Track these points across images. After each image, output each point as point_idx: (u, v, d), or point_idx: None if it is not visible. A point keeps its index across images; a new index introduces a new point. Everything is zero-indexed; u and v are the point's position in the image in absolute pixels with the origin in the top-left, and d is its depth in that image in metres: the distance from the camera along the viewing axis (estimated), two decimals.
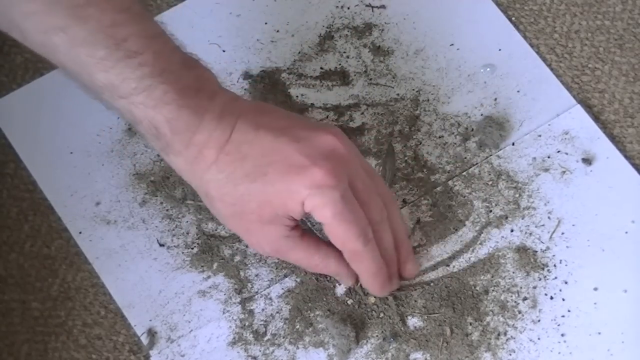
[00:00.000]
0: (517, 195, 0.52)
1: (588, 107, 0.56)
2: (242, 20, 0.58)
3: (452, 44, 0.57)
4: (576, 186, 0.52)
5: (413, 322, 0.49)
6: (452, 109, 0.55)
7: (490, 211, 0.51)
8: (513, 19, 0.58)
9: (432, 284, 0.49)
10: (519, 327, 0.48)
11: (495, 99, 0.55)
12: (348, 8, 0.58)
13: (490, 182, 0.52)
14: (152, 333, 0.49)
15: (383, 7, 0.58)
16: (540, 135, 0.53)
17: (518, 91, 0.55)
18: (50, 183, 0.53)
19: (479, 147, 0.53)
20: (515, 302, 0.49)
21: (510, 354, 0.47)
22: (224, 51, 0.57)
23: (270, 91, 0.56)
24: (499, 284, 0.49)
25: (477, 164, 0.53)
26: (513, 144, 0.53)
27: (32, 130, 0.55)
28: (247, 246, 0.50)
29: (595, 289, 0.49)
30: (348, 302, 0.49)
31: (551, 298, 0.49)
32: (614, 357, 0.47)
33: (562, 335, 0.48)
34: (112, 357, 0.49)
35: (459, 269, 0.50)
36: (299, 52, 0.57)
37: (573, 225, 0.51)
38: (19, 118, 0.55)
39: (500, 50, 0.57)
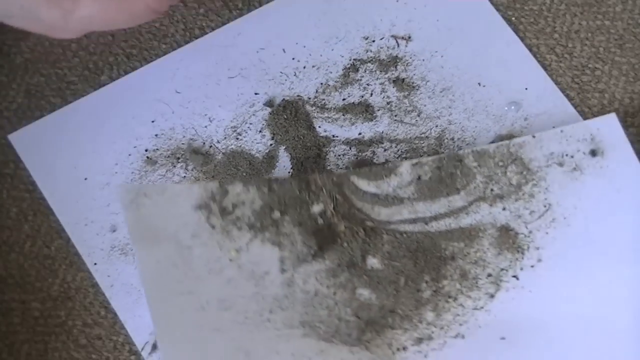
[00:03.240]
0: (522, 180, 0.52)
1: (588, 108, 0.56)
2: (266, 53, 0.57)
3: (480, 83, 0.57)
4: (582, 183, 0.51)
5: (372, 262, 0.49)
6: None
7: (489, 188, 0.51)
8: (513, 19, 0.58)
9: (404, 235, 0.50)
10: (472, 296, 0.49)
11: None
12: (373, 41, 0.58)
13: (500, 163, 0.52)
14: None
15: (409, 38, 0.58)
16: (562, 131, 0.53)
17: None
18: (68, 212, 0.53)
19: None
20: (477, 275, 0.49)
21: (454, 318, 0.48)
22: (246, 82, 0.57)
23: (292, 122, 0.55)
24: (468, 254, 0.50)
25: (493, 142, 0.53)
26: (534, 136, 0.53)
27: (51, 160, 0.54)
28: None
29: (565, 286, 0.49)
30: (319, 221, 0.49)
31: (516, 279, 0.49)
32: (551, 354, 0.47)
33: (513, 317, 0.48)
34: (112, 357, 0.49)
35: (435, 230, 0.50)
36: (322, 84, 0.57)
37: (565, 218, 0.51)
38: (39, 148, 0.55)
39: (526, 89, 0.56)
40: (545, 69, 0.57)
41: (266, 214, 0.49)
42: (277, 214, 0.49)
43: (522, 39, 0.58)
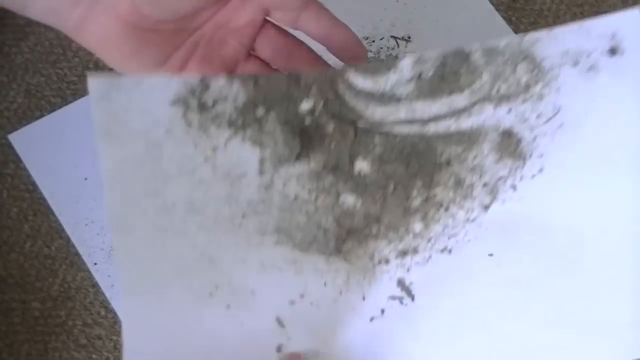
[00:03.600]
0: (531, 80, 0.48)
1: None
2: None
3: None
4: (597, 85, 0.46)
5: (361, 165, 0.46)
6: None
7: (495, 88, 0.48)
8: (513, 19, 0.58)
9: (398, 137, 0.47)
10: (465, 207, 0.46)
11: None
12: (373, 41, 0.58)
13: (509, 61, 0.48)
14: None
15: (409, 38, 0.58)
16: (581, 26, 0.47)
17: None
18: (68, 212, 0.53)
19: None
20: (473, 183, 0.47)
21: (443, 229, 0.46)
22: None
23: None
24: (466, 159, 0.47)
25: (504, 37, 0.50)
26: (550, 30, 0.47)
27: (51, 160, 0.54)
28: None
29: (565, 199, 0.45)
30: (306, 120, 0.46)
31: (513, 190, 0.46)
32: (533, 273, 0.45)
33: (504, 232, 0.45)
34: (112, 357, 0.49)
35: (433, 132, 0.47)
36: None
37: (574, 124, 0.46)
38: (38, 148, 0.55)
39: None
40: None
41: (249, 110, 0.46)
42: (261, 111, 0.46)
43: None
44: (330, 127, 0.46)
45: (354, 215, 0.45)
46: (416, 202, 0.46)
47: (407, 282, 0.44)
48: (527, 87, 0.47)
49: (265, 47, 0.47)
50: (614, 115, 0.46)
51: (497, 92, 0.47)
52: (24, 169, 0.54)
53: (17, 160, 0.54)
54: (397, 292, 0.44)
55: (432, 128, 0.46)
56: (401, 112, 0.47)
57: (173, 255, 0.44)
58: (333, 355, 0.43)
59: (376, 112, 0.46)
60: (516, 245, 0.45)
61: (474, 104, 0.47)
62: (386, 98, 0.47)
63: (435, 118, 0.47)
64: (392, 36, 0.58)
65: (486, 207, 0.46)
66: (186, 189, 0.45)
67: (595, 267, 0.44)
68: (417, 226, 0.45)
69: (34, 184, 0.54)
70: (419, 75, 0.47)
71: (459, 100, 0.47)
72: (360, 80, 0.47)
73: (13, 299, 0.51)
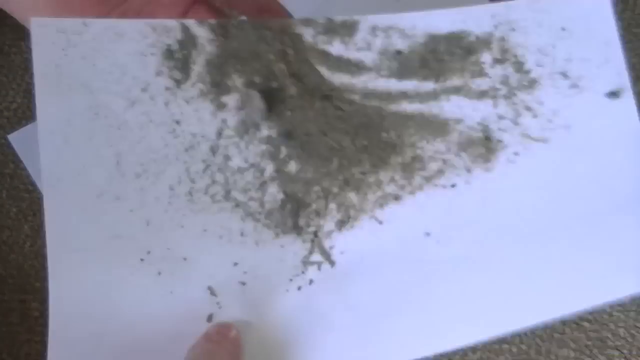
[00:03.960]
0: (512, 81, 0.47)
1: None
2: None
3: None
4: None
5: (310, 132, 0.45)
6: None
7: (475, 82, 0.46)
8: None
9: (353, 107, 0.45)
10: (406, 186, 0.45)
11: None
12: None
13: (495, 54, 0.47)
14: None
15: None
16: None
17: None
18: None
19: None
20: (423, 168, 0.45)
21: (376, 201, 0.45)
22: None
23: None
24: (422, 147, 0.45)
25: None
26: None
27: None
28: None
29: (514, 200, 0.44)
30: (272, 83, 0.44)
31: (466, 183, 0.44)
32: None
33: (446, 212, 0.44)
34: None
35: (393, 111, 0.45)
36: None
37: (555, 127, 0.46)
38: (38, 148, 0.55)
39: None
40: None
41: (218, 67, 0.44)
42: (229, 69, 0.44)
43: None
44: (292, 90, 0.45)
45: (297, 182, 0.44)
46: (357, 176, 0.44)
47: (327, 247, 0.44)
48: (508, 86, 0.45)
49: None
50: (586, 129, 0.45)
51: (477, 86, 0.45)
52: (24, 169, 0.54)
53: (17, 160, 0.54)
54: (318, 257, 0.44)
55: (394, 107, 0.45)
56: (364, 82, 0.45)
57: (108, 217, 0.43)
58: (264, 325, 0.43)
59: (337, 78, 0.45)
60: (457, 226, 0.44)
61: (447, 93, 0.45)
62: (352, 64, 0.45)
63: (400, 96, 0.45)
64: None
65: (426, 187, 0.44)
66: (133, 148, 0.43)
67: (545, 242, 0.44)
68: (353, 197, 0.44)
69: (33, 184, 0.54)
70: (397, 52, 0.46)
71: (430, 84, 0.45)
72: (325, 40, 0.45)
73: (13, 299, 0.51)
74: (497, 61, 0.45)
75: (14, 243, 0.52)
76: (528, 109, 0.45)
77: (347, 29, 0.46)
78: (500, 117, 0.45)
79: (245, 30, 0.44)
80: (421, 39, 0.45)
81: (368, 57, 0.45)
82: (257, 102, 0.44)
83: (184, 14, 0.45)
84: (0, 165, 0.55)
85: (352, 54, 0.45)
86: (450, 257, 0.43)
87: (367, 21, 0.46)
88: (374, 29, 0.46)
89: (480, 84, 0.45)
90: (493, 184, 0.44)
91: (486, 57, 0.45)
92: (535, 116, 0.45)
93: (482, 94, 0.45)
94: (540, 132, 0.45)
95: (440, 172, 0.44)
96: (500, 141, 0.45)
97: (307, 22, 0.46)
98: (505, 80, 0.45)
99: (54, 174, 0.43)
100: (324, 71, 0.45)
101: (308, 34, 0.46)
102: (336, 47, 0.46)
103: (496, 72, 0.45)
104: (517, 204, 0.44)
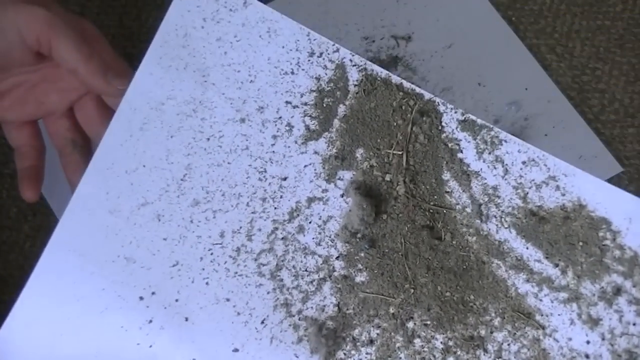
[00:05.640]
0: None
1: (588, 108, 0.56)
2: None
3: (480, 83, 0.56)
4: None
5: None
6: None
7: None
8: (513, 19, 0.58)
9: (462, 248, 0.40)
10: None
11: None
12: (373, 41, 0.58)
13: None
14: None
15: (409, 38, 0.58)
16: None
17: (546, 135, 0.54)
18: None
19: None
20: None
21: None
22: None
23: None
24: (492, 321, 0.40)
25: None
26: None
27: (51, 161, 0.54)
28: None
29: None
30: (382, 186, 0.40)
31: None
32: None
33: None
34: None
35: (506, 266, 0.40)
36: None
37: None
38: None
39: (526, 89, 0.56)
40: (545, 69, 0.57)
41: (351, 133, 0.39)
42: (358, 140, 0.39)
43: (522, 39, 0.58)
44: (400, 190, 0.39)
45: (355, 295, 0.39)
46: (414, 324, 0.38)
47: None
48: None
49: (80, 113, 0.48)
50: None
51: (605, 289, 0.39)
52: None
53: None
54: None
55: (499, 269, 0.39)
56: (475, 218, 0.39)
57: (134, 232, 0.38)
58: None
59: (453, 196, 0.39)
60: None
61: (575, 288, 0.39)
62: (478, 182, 0.40)
63: (514, 259, 0.39)
64: (392, 36, 0.58)
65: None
66: (209, 169, 0.38)
67: None
68: (398, 344, 0.39)
69: None
70: (533, 213, 0.39)
71: (549, 268, 0.39)
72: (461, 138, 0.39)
73: (13, 299, 0.51)
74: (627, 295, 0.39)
75: (14, 243, 0.52)
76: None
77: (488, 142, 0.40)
78: None
79: (388, 89, 0.39)
80: (561, 211, 0.39)
81: (502, 186, 0.39)
82: (367, 215, 0.39)
83: (75, 102, 0.47)
84: (1, 165, 0.55)
85: (485, 173, 0.39)
86: None
87: (514, 144, 0.39)
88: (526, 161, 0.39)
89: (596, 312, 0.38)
90: None
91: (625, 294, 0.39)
92: None
93: (594, 323, 0.38)
94: None
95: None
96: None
97: (450, 106, 0.40)
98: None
99: (108, 156, 0.38)
100: (445, 175, 0.39)
101: (448, 118, 0.40)
102: (470, 153, 0.40)
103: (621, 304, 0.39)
104: None
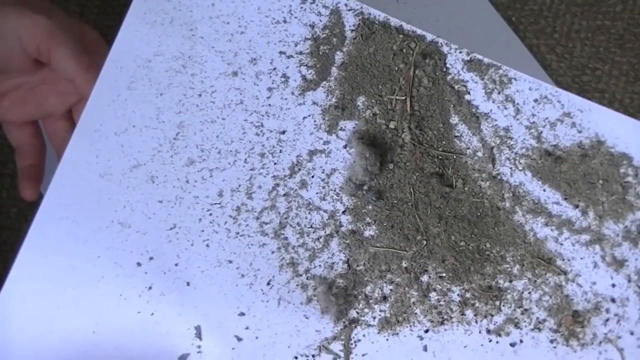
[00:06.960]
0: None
1: None
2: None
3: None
4: None
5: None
6: None
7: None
8: (513, 19, 0.58)
9: (476, 194, 0.38)
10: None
11: None
12: None
13: None
14: None
15: None
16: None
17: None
18: None
19: None
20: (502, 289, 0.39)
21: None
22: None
23: None
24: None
25: None
26: None
27: (50, 160, 0.54)
28: None
29: None
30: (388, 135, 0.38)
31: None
32: None
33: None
34: None
35: (525, 214, 0.39)
36: None
37: None
38: None
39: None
40: (545, 69, 0.57)
41: (350, 81, 0.38)
42: (358, 87, 0.38)
43: (522, 39, 0.58)
44: (406, 138, 0.38)
45: (365, 251, 0.38)
46: (429, 277, 0.37)
47: (352, 341, 0.38)
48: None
49: (79, 115, 0.47)
50: None
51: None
52: None
53: None
54: (339, 347, 0.38)
55: (517, 215, 0.38)
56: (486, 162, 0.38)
57: (128, 196, 0.37)
58: None
59: (463, 141, 0.38)
60: None
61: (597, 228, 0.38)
62: (488, 124, 0.39)
63: (531, 203, 0.38)
64: None
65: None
66: (203, 126, 0.37)
67: None
68: (413, 300, 0.38)
69: None
70: (548, 153, 0.38)
71: (569, 209, 0.38)
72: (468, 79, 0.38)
73: None
74: None
75: (15, 243, 0.52)
76: None
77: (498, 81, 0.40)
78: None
79: (387, 33, 0.39)
80: (579, 148, 0.38)
81: (514, 127, 0.38)
82: (371, 165, 0.38)
83: (74, 105, 0.47)
84: (1, 165, 0.55)
85: (496, 114, 0.39)
86: None
87: (525, 81, 0.40)
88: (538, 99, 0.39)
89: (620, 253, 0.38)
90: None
91: None
92: None
93: (619, 264, 0.38)
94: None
95: (511, 321, 0.38)
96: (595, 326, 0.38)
97: (455, 46, 0.40)
98: None
99: (95, 118, 0.37)
100: (453, 119, 0.39)
101: (452, 59, 0.40)
102: (478, 95, 0.39)
103: None
104: None
